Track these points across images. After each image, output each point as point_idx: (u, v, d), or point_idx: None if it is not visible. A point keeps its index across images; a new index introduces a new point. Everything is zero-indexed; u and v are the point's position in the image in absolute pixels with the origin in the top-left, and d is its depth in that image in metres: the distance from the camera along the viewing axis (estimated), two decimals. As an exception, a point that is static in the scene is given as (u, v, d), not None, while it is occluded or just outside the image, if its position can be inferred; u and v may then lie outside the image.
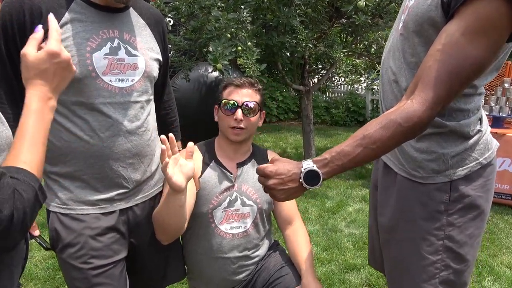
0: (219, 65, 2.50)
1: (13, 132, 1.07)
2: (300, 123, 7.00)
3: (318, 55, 3.92)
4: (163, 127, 1.40)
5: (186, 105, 4.62)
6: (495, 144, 0.99)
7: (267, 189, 0.88)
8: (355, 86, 7.00)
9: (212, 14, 2.81)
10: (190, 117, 4.48)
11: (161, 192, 1.30)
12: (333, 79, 5.18)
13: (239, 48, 2.80)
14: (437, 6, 0.82)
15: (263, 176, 0.87)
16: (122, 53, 1.11)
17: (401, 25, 0.95)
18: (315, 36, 3.67)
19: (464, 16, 0.76)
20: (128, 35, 1.14)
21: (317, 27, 3.67)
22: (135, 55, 1.14)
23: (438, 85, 0.78)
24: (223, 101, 1.28)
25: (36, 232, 1.16)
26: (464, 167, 0.93)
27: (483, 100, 0.95)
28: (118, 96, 1.11)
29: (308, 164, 0.83)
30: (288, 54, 3.64)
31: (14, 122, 1.04)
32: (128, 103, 1.13)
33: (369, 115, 7.22)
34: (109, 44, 1.09)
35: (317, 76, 4.98)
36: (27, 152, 0.67)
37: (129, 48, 1.13)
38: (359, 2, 1.99)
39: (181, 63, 3.92)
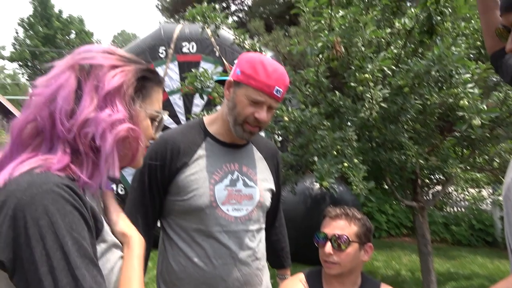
0: (325, 183, 2.52)
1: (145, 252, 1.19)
2: (415, 240, 6.34)
3: (430, 169, 3.70)
4: (274, 253, 1.42)
5: (292, 218, 4.64)
6: None
7: None
8: (478, 202, 6.25)
9: (318, 133, 2.95)
10: (296, 229, 4.45)
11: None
12: (452, 194, 4.73)
13: (345, 165, 2.81)
14: None
15: None
16: (240, 185, 1.22)
17: None
18: (426, 150, 3.52)
19: None
20: (246, 167, 1.25)
21: (427, 141, 3.53)
22: (251, 186, 1.23)
23: None
24: (317, 232, 1.26)
25: None
26: None
27: None
28: (233, 225, 1.18)
29: None
30: (397, 169, 3.51)
31: (146, 243, 1.17)
32: (241, 232, 1.19)
33: (499, 234, 6.22)
34: (229, 177, 1.21)
35: (431, 191, 4.62)
36: None
37: (246, 180, 1.23)
38: (474, 121, 1.90)
39: (288, 177, 4.06)
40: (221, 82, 1.37)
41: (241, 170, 1.23)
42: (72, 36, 32.25)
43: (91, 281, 0.63)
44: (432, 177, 4.07)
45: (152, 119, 0.82)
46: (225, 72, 3.23)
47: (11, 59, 31.45)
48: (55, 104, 0.71)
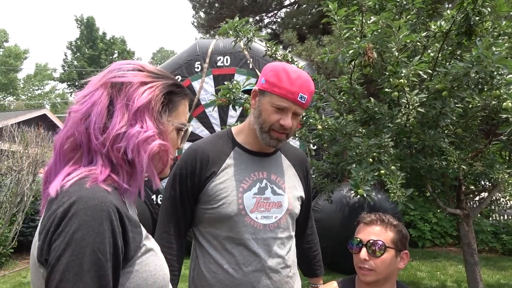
0: (360, 191, 2.48)
1: (178, 258, 1.22)
2: (461, 249, 6.03)
3: (475, 175, 3.53)
4: (306, 261, 1.42)
5: (329, 227, 4.58)
6: None
7: None
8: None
9: (353, 140, 2.92)
10: (333, 238, 4.38)
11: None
12: (499, 201, 4.47)
13: (382, 172, 2.76)
14: None
15: None
16: (268, 193, 1.23)
17: None
18: (469, 155, 3.37)
19: None
20: (274, 175, 1.26)
21: (471, 146, 3.38)
22: (280, 194, 1.25)
23: None
24: (351, 239, 1.25)
25: None
26: None
27: None
28: (262, 233, 1.20)
29: None
30: (438, 175, 3.38)
31: (177, 251, 1.21)
32: (271, 239, 1.21)
33: (557, 244, 5.78)
34: (258, 185, 1.23)
35: (477, 199, 4.40)
36: None
37: (275, 188, 1.25)
38: (519, 124, 1.81)
39: (324, 185, 4.02)
40: (248, 92, 1.41)
41: (270, 178, 1.25)
42: (115, 56, 33.87)
43: None
44: (478, 183, 3.87)
45: (179, 130, 0.87)
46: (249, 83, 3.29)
47: (61, 80, 33.54)
48: (89, 120, 0.77)
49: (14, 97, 32.38)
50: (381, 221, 1.24)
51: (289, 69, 1.19)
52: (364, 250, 1.20)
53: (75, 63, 32.69)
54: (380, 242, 1.20)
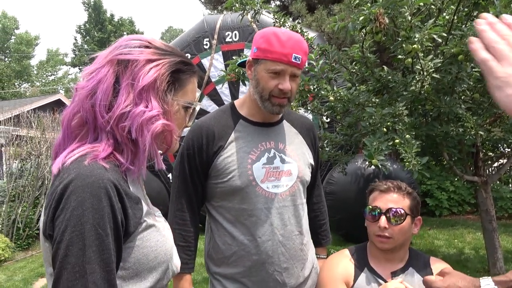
0: (374, 161, 2.46)
1: (193, 234, 1.23)
2: (479, 217, 5.98)
3: (493, 141, 3.45)
4: (313, 230, 1.42)
5: (344, 199, 4.58)
6: None
7: None
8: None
9: (366, 110, 2.87)
10: (348, 210, 4.39)
11: (315, 297, 1.27)
12: (518, 166, 4.39)
13: (397, 141, 2.71)
14: None
15: None
16: (277, 162, 1.23)
17: None
18: (487, 121, 3.28)
19: None
20: (282, 144, 1.26)
21: (489, 111, 3.29)
22: (289, 162, 1.24)
23: None
24: (367, 207, 1.23)
25: None
26: None
27: None
28: (274, 202, 1.20)
29: (487, 285, 0.72)
30: (455, 142, 3.32)
31: (192, 227, 1.23)
32: (283, 208, 1.21)
33: None
34: (266, 155, 1.23)
35: (495, 165, 4.32)
36: None
37: (283, 156, 1.24)
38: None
39: (338, 158, 4.00)
40: (243, 65, 1.38)
41: (277, 147, 1.24)
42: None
43: (98, 277, 0.67)
44: (496, 149, 3.79)
45: (186, 108, 0.86)
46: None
47: (73, 64, 33.74)
48: (95, 97, 0.78)
49: (29, 83, 32.84)
50: (398, 189, 1.23)
51: (278, 32, 1.17)
52: (383, 218, 1.19)
53: (85, 46, 32.76)
54: (402, 211, 1.19)
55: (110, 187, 0.72)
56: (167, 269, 0.83)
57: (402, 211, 1.19)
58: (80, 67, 33.35)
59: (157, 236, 0.81)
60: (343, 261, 1.26)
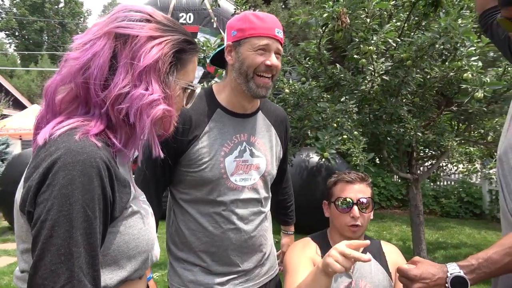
0: (326, 154, 2.57)
1: (156, 220, 1.19)
2: (405, 211, 6.53)
3: (426, 142, 3.77)
4: (280, 211, 1.48)
5: (288, 189, 4.71)
6: None
7: None
8: (470, 175, 6.43)
9: (319, 105, 2.97)
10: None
11: (272, 280, 1.32)
12: (444, 167, 4.86)
13: (345, 137, 2.86)
14: None
15: (406, 278, 0.86)
16: (247, 155, 1.24)
17: None
18: (423, 123, 3.57)
19: None
20: (254, 137, 1.26)
21: (425, 115, 3.59)
22: (258, 156, 1.26)
23: None
24: (337, 199, 1.28)
25: None
26: None
27: None
28: (242, 194, 1.22)
29: (454, 269, 0.81)
30: (394, 142, 3.58)
31: (156, 213, 1.19)
32: (249, 200, 1.23)
33: (487, 207, 6.42)
34: (238, 148, 1.23)
35: (426, 164, 4.73)
36: None
37: (254, 150, 1.25)
38: (477, 94, 1.94)
39: (285, 149, 4.10)
40: (213, 64, 1.35)
41: (249, 141, 1.25)
42: (61, 5, 31.18)
43: (83, 262, 0.63)
44: (428, 150, 4.15)
45: (185, 89, 0.81)
46: (222, 41, 3.20)
47: (-2, 28, 30.45)
48: (89, 72, 0.71)
49: None
50: (362, 179, 1.29)
51: (256, 12, 1.20)
52: (356, 208, 1.24)
53: (15, 10, 29.71)
54: (369, 200, 1.26)
55: (102, 167, 0.67)
56: (147, 259, 0.79)
57: (370, 200, 1.27)
58: (7, 32, 30.21)
59: (140, 224, 0.77)
60: (309, 246, 1.31)
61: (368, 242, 1.02)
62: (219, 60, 1.30)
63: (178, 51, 0.77)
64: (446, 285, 0.82)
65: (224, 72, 1.30)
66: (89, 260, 0.65)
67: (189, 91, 0.83)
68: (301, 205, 4.41)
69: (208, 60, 2.77)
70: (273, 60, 1.16)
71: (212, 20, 5.17)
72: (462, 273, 0.82)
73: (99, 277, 0.66)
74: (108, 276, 0.72)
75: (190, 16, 5.35)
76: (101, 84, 0.71)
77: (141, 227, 0.77)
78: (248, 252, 1.25)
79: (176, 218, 1.25)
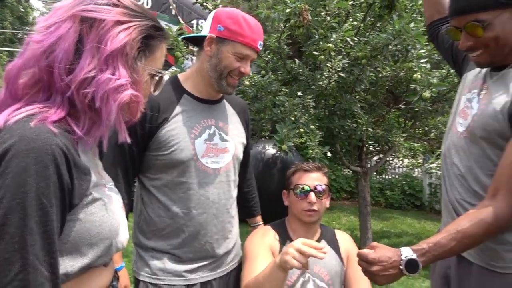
0: (284, 146, 2.64)
1: (127, 206, 1.18)
2: (353, 203, 6.86)
3: (376, 138, 4.00)
4: (245, 203, 1.51)
5: (244, 180, 4.76)
6: None
7: (368, 274, 0.93)
8: (414, 169, 6.89)
9: (278, 99, 3.04)
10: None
11: (235, 269, 1.36)
12: (390, 161, 5.19)
13: (302, 130, 2.95)
14: (504, 119, 0.97)
15: (365, 262, 0.93)
16: (216, 139, 1.27)
17: (462, 128, 1.07)
18: (373, 120, 3.78)
19: None
20: (222, 122, 1.30)
21: (376, 112, 3.79)
22: (227, 140, 1.29)
23: None
24: (295, 186, 1.35)
25: None
26: None
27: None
28: (212, 177, 1.24)
29: (407, 253, 0.90)
30: (346, 136, 3.75)
31: (126, 199, 1.19)
32: (219, 183, 1.26)
33: (426, 199, 6.92)
34: (207, 131, 1.25)
35: (374, 158, 5.00)
36: None
37: (223, 134, 1.29)
38: (424, 93, 2.09)
39: (242, 141, 4.15)
40: (188, 40, 1.38)
41: (218, 125, 1.28)
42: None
43: (39, 249, 0.63)
44: (376, 145, 4.39)
45: (153, 76, 0.81)
46: (181, 30, 3.14)
47: None
48: (54, 56, 0.69)
49: None
50: (318, 168, 1.39)
51: (246, 16, 1.21)
52: (312, 194, 1.32)
53: None
54: (326, 187, 1.34)
55: (58, 154, 0.65)
56: (111, 246, 0.78)
57: (325, 187, 1.35)
58: None
59: (102, 211, 0.76)
60: (268, 233, 1.37)
61: (322, 245, 1.10)
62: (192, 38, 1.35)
63: (146, 37, 0.76)
64: (400, 267, 0.91)
65: (185, 60, 1.31)
66: (45, 247, 0.64)
67: (157, 78, 0.82)
68: (259, 196, 4.51)
69: (169, 50, 2.72)
70: (248, 69, 1.22)
71: (171, 7, 5.05)
72: (414, 256, 0.91)
73: (57, 264, 0.66)
74: (69, 264, 0.72)
75: (147, 1, 5.19)
76: (66, 68, 0.69)
77: (103, 214, 0.76)
78: (218, 238, 1.28)
79: (145, 206, 1.25)
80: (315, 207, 1.32)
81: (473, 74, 1.17)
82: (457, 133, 1.12)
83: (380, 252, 0.94)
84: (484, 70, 1.12)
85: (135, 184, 1.32)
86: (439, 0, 1.32)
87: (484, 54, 1.02)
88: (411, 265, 0.91)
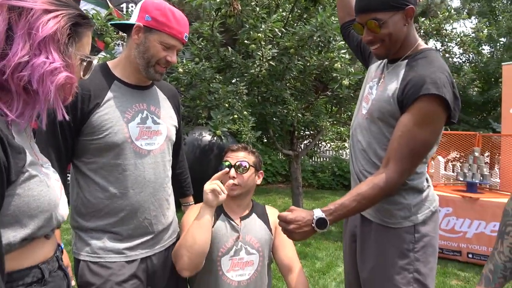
0: (218, 132, 2.75)
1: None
2: (288, 186, 7.21)
3: (306, 123, 4.27)
4: (178, 184, 1.60)
5: (181, 167, 4.78)
6: (437, 197, 1.30)
7: (287, 232, 1.09)
8: (340, 151, 7.38)
9: (212, 86, 3.13)
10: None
11: (173, 244, 1.46)
12: (320, 145, 5.56)
13: (235, 116, 3.09)
14: (395, 103, 1.18)
15: (284, 222, 1.09)
16: (149, 122, 1.34)
17: (365, 111, 1.29)
18: (303, 106, 4.02)
19: (413, 111, 1.11)
20: (153, 107, 1.37)
21: (305, 98, 4.04)
22: (159, 123, 1.37)
23: (404, 160, 1.12)
24: (221, 163, 1.51)
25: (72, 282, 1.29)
26: (422, 214, 1.21)
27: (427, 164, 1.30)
28: (148, 158, 1.31)
29: (318, 213, 1.08)
30: (279, 122, 3.96)
31: (60, 174, 1.22)
32: (155, 163, 1.34)
33: (354, 179, 7.46)
34: (140, 115, 1.32)
35: (305, 142, 5.30)
36: None
37: (155, 118, 1.36)
38: (344, 81, 2.32)
39: (178, 128, 4.17)
40: (116, 26, 1.42)
41: (149, 109, 1.35)
42: None
43: None
44: (306, 129, 4.67)
45: (82, 60, 0.87)
46: (110, 15, 3.08)
47: None
48: None
49: None
50: (244, 148, 1.53)
51: (173, 9, 1.29)
52: (233, 169, 1.47)
53: None
54: (246, 163, 1.48)
55: None
56: (51, 218, 0.85)
57: (247, 164, 1.50)
58: None
59: (40, 186, 0.82)
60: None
61: (226, 170, 1.42)
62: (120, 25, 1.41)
63: (74, 25, 0.82)
64: (313, 224, 1.08)
65: (115, 46, 1.35)
66: None
67: (85, 63, 0.88)
68: (194, 181, 4.57)
69: (98, 35, 2.67)
70: (174, 58, 1.29)
71: (99, -10, 4.84)
72: (323, 215, 1.09)
73: None
74: (12, 234, 0.77)
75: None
76: None
77: (41, 189, 0.82)
78: (157, 214, 1.35)
79: (82, 190, 1.28)
80: (235, 181, 1.45)
81: (375, 66, 1.38)
82: (362, 116, 1.32)
83: (296, 213, 1.11)
84: (383, 62, 1.33)
85: (69, 173, 1.35)
86: (350, 4, 1.51)
87: (381, 48, 1.22)
88: (321, 223, 1.09)
